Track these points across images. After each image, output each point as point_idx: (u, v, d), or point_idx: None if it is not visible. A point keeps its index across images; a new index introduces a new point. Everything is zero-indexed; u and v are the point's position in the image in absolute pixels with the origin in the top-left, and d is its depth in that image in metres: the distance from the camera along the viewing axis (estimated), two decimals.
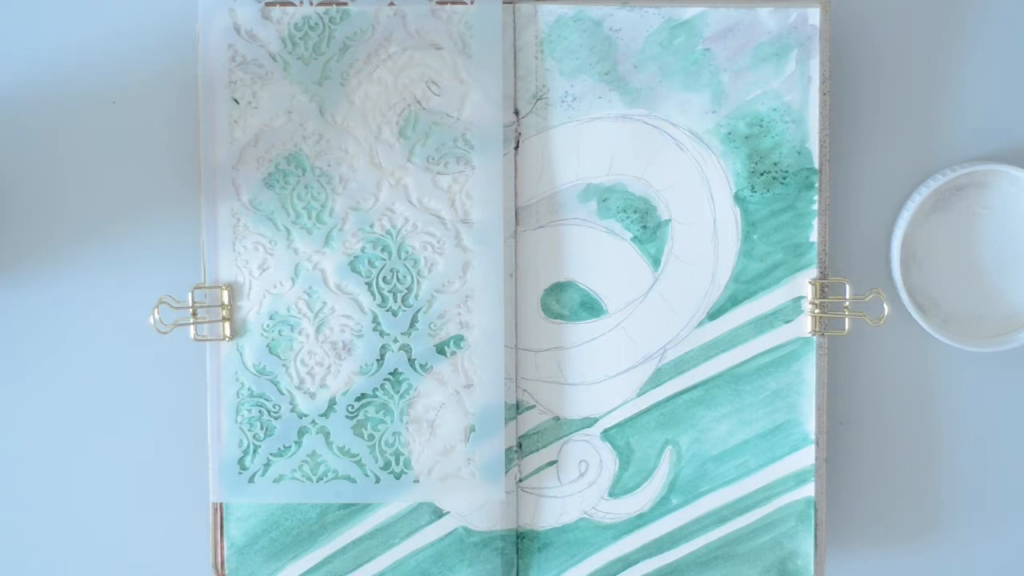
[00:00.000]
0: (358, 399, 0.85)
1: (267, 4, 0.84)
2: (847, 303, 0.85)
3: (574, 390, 0.86)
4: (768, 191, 0.85)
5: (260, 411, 0.85)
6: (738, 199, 0.85)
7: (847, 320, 0.85)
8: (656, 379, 0.86)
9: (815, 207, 0.85)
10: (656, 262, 0.86)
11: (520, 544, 0.87)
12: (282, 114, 0.84)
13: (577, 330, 0.86)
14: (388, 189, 0.84)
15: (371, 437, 0.85)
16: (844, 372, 0.89)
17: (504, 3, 0.84)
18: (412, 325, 0.85)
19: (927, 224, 0.88)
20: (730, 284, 0.86)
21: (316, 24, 0.84)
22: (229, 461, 0.85)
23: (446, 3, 0.84)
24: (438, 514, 0.86)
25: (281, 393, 0.85)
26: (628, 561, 0.87)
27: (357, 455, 0.85)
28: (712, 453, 0.86)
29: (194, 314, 0.84)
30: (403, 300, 0.85)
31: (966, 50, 0.88)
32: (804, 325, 0.85)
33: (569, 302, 0.86)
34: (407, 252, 0.85)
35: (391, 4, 0.83)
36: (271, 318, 0.85)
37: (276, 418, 0.85)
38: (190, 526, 0.89)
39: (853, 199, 0.88)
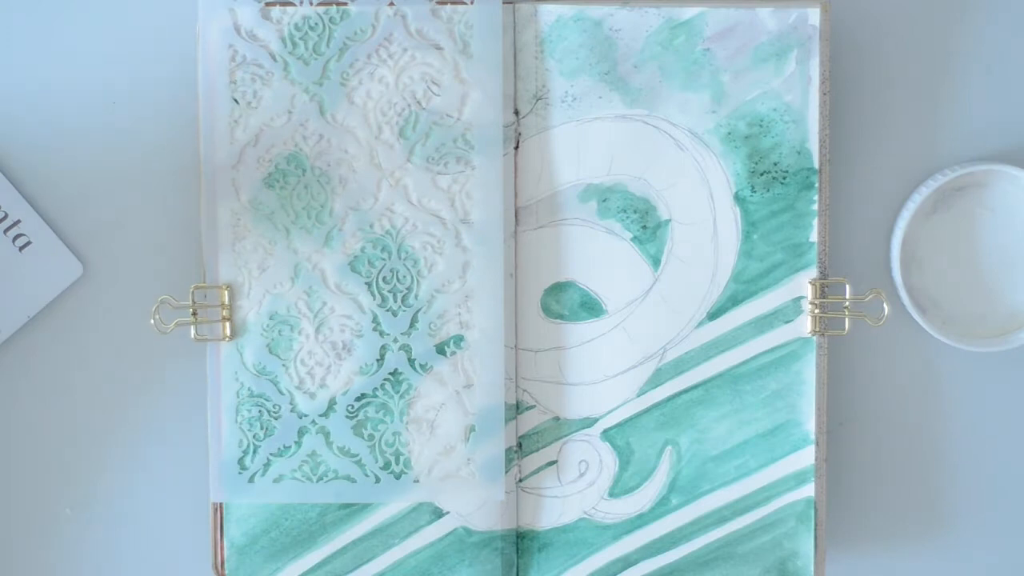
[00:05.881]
0: (358, 399, 0.85)
1: (267, 4, 0.84)
2: (847, 303, 0.85)
3: (574, 390, 0.86)
4: (768, 191, 0.85)
5: (260, 411, 0.85)
6: (738, 199, 0.85)
7: (847, 320, 0.85)
8: (656, 379, 0.86)
9: (815, 207, 0.85)
10: (656, 262, 0.86)
11: (520, 544, 0.87)
12: (282, 114, 0.84)
13: (577, 330, 0.86)
14: (388, 189, 0.84)
15: (371, 437, 0.85)
16: (844, 372, 0.89)
17: (504, 3, 0.84)
18: (412, 325, 0.85)
19: (927, 224, 0.88)
20: (730, 284, 0.86)
21: (316, 24, 0.84)
22: (229, 461, 0.85)
23: (446, 3, 0.84)
24: (438, 514, 0.86)
25: (281, 393, 0.85)
26: (628, 561, 0.87)
27: (357, 455, 0.85)
28: (712, 453, 0.86)
29: (194, 314, 0.84)
30: (403, 300, 0.85)
31: (966, 50, 0.88)
32: (804, 325, 0.85)
33: (569, 302, 0.86)
34: (407, 252, 0.85)
35: (391, 4, 0.83)
36: (271, 318, 0.85)
37: (276, 418, 0.85)
38: (190, 526, 0.89)
39: (853, 199, 0.88)
